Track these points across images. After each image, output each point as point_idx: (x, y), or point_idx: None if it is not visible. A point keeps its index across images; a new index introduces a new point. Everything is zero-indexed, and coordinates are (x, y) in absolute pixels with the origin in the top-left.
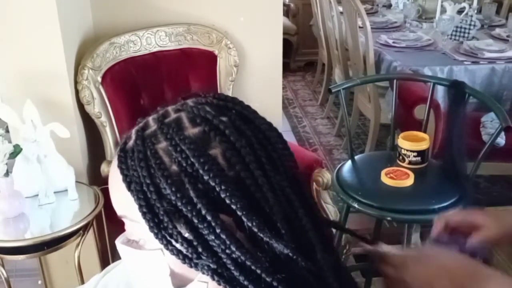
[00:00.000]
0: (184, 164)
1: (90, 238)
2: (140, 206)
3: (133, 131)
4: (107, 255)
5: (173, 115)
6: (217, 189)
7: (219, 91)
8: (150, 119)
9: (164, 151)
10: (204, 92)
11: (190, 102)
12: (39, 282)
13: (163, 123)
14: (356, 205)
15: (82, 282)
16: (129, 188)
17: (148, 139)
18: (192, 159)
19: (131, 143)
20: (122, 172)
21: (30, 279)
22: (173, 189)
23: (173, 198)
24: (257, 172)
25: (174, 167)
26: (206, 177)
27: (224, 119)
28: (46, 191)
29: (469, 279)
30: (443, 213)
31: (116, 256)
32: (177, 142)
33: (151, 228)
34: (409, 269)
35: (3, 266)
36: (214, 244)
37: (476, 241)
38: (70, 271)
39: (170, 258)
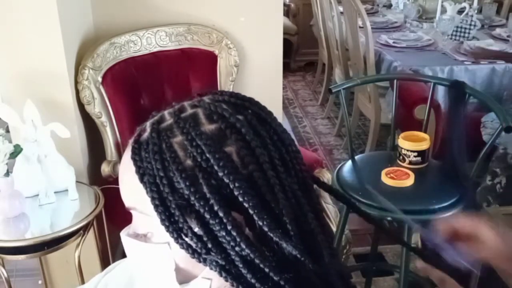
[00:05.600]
0: (199, 159)
1: (90, 238)
2: (153, 199)
3: (148, 124)
4: (107, 255)
5: (189, 111)
6: (231, 186)
7: None
8: (166, 113)
9: (179, 145)
10: (221, 91)
11: (206, 99)
12: (40, 282)
13: (179, 118)
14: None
15: (82, 282)
16: (141, 180)
17: (164, 133)
18: (207, 155)
19: (145, 135)
20: (135, 164)
21: (31, 279)
22: (187, 183)
23: (186, 192)
24: (270, 173)
25: (189, 162)
26: (220, 174)
27: (240, 117)
28: (47, 191)
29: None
30: (447, 217)
31: (116, 256)
32: (193, 136)
33: (162, 221)
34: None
35: (3, 266)
36: (224, 240)
37: (470, 257)
38: (70, 271)
39: (177, 253)
